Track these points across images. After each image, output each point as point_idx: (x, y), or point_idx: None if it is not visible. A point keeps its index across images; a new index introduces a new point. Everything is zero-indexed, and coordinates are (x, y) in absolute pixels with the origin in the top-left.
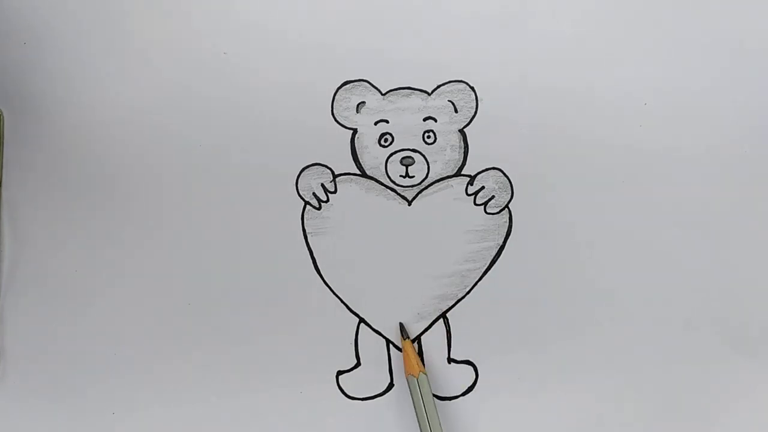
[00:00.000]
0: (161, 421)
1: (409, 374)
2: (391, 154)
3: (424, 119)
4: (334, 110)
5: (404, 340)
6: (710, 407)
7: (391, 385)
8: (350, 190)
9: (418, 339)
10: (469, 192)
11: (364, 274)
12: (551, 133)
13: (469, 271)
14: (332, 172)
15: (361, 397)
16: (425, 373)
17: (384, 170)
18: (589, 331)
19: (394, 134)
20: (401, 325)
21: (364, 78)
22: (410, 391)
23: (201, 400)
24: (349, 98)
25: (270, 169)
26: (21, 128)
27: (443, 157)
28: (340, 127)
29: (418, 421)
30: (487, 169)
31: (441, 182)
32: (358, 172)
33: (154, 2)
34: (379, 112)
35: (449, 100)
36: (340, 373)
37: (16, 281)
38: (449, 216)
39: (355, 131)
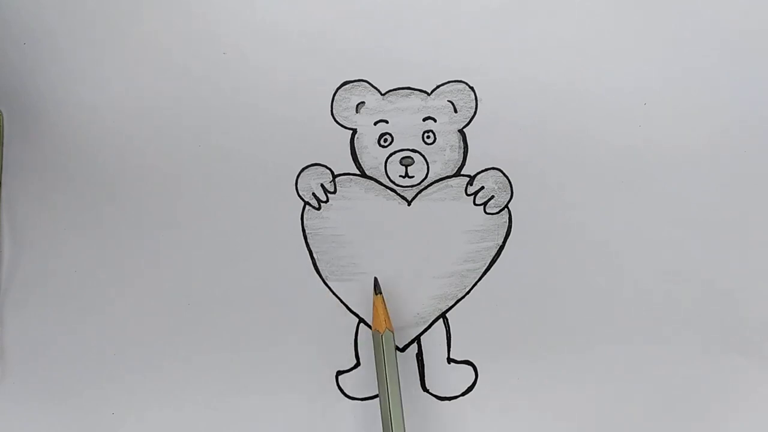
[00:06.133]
0: (161, 421)
1: (375, 329)
2: (391, 154)
3: (424, 119)
4: (334, 110)
5: (376, 295)
6: (710, 407)
7: None
8: (350, 190)
9: (417, 339)
10: (469, 192)
11: (363, 275)
12: (551, 133)
13: (469, 271)
14: (332, 172)
15: (361, 397)
16: (392, 331)
17: (383, 170)
18: (589, 331)
19: (393, 134)
20: (375, 280)
21: (364, 78)
22: (374, 347)
23: (201, 401)
24: (349, 98)
25: (269, 170)
26: (21, 128)
27: (443, 157)
28: (339, 127)
29: (377, 378)
30: (486, 169)
31: (440, 182)
32: (358, 173)
33: (154, 2)
34: (378, 112)
35: (449, 100)
36: (339, 373)
37: (16, 281)
38: (449, 216)
39: (354, 131)
